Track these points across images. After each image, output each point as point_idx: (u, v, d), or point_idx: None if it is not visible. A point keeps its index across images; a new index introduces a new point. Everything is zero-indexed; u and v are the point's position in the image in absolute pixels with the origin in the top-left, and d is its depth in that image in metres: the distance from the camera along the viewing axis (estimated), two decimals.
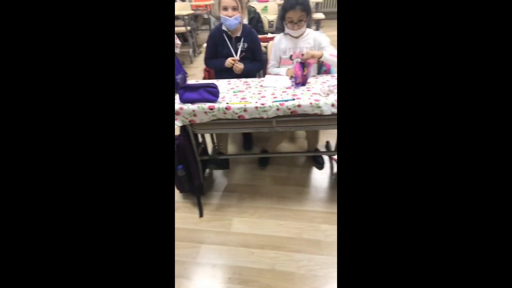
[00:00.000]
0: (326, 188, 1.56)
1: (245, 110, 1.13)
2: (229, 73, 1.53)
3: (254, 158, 1.79)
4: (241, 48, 1.52)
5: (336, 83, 1.28)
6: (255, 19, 2.50)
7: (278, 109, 1.13)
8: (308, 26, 1.43)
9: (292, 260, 1.19)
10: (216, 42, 1.55)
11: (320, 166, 1.68)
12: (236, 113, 1.14)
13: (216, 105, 1.14)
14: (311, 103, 1.11)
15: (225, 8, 1.41)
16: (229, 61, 1.50)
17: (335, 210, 1.41)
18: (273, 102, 1.13)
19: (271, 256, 1.21)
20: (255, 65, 1.58)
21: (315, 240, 1.27)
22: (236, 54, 1.53)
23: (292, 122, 1.21)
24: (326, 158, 1.76)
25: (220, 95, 1.22)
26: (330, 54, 1.33)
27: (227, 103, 1.15)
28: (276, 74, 1.46)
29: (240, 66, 1.50)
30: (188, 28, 3.63)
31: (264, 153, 1.71)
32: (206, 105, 1.14)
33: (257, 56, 1.60)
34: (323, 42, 1.42)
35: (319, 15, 2.81)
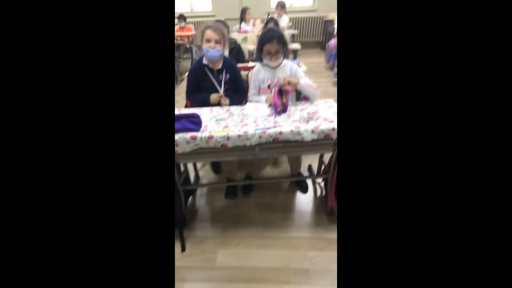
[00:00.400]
0: (310, 212, 1.56)
1: (227, 138, 1.14)
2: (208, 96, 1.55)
3: (238, 185, 1.77)
4: (224, 80, 1.56)
5: (317, 110, 1.34)
6: (235, 49, 2.62)
7: (260, 137, 1.15)
8: (285, 57, 1.52)
9: None
10: (197, 76, 1.56)
11: (304, 190, 1.69)
12: (219, 142, 1.14)
13: (198, 134, 1.14)
14: (292, 130, 1.15)
15: (208, 40, 1.45)
16: (214, 98, 1.51)
17: (321, 235, 1.39)
18: (255, 130, 1.15)
19: None
20: (239, 96, 1.62)
21: (302, 269, 1.23)
22: (220, 86, 1.56)
23: (274, 148, 1.22)
24: (309, 181, 1.78)
25: (203, 124, 1.23)
26: (306, 83, 1.40)
27: (210, 132, 1.15)
28: (257, 102, 1.50)
29: (226, 102, 1.52)
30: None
31: (248, 179, 1.70)
32: (188, 135, 1.14)
33: (239, 86, 1.65)
34: (299, 73, 1.50)
35: (296, 46, 3.01)
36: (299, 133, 1.15)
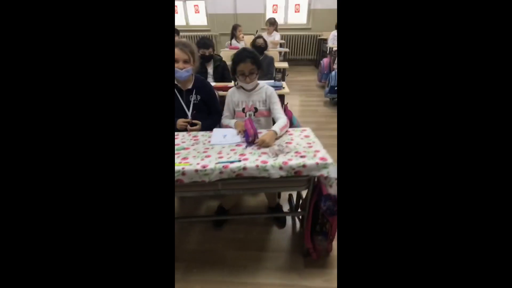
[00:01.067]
0: (286, 252, 1.39)
1: (183, 173, 1.00)
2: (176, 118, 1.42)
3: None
4: (194, 101, 1.45)
5: (290, 140, 1.20)
6: (220, 66, 2.52)
7: (221, 172, 1.01)
8: (259, 78, 1.42)
9: None
10: None
11: (281, 224, 1.53)
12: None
13: None
14: (257, 166, 1.01)
15: (176, 61, 1.36)
16: (180, 124, 1.39)
17: (294, 282, 1.22)
18: (216, 163, 1.01)
19: None
20: (213, 118, 1.50)
21: None
22: (188, 108, 1.44)
23: (239, 184, 1.08)
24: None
25: None
26: (281, 128, 1.25)
27: None
28: (226, 126, 1.37)
29: (195, 127, 1.39)
30: None
31: (220, 212, 1.54)
32: None
33: (213, 108, 1.53)
34: (273, 97, 1.40)
35: (284, 64, 2.93)
36: (265, 169, 1.01)
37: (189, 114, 1.44)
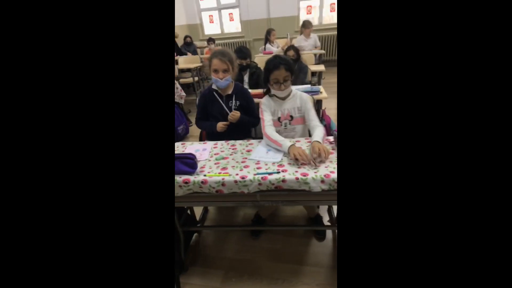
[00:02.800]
0: (326, 268, 1.31)
1: (223, 184, 1.00)
2: (220, 133, 1.46)
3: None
4: (234, 106, 1.49)
5: (332, 150, 1.14)
6: (256, 74, 2.54)
7: (260, 184, 0.99)
8: (297, 83, 1.38)
9: None
10: (206, 101, 1.52)
11: (321, 238, 1.46)
12: (214, 188, 1.01)
13: (191, 178, 1.02)
14: (297, 178, 0.97)
15: (216, 71, 1.40)
16: (220, 126, 1.45)
17: None
18: (254, 175, 1.00)
19: None
20: (251, 119, 1.52)
21: None
22: (229, 111, 1.49)
23: (278, 196, 1.05)
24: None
25: (200, 164, 1.11)
26: (321, 138, 1.16)
27: (205, 176, 1.03)
28: (270, 137, 1.24)
29: (236, 114, 1.43)
30: (196, 78, 3.80)
31: (256, 222, 1.52)
32: (181, 178, 1.03)
33: (251, 112, 1.54)
34: (308, 103, 1.36)
35: (320, 67, 2.83)
36: (305, 182, 0.96)
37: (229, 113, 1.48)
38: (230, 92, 1.49)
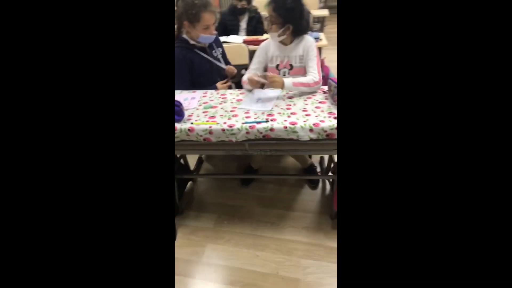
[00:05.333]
0: (314, 213, 1.39)
1: (210, 132, 0.99)
2: (211, 82, 1.37)
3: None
4: (219, 54, 1.38)
5: (324, 100, 1.09)
6: (255, 19, 2.31)
7: (248, 132, 0.97)
8: (299, 33, 1.22)
9: None
10: (190, 64, 1.28)
11: (314, 186, 1.51)
12: (201, 136, 1.00)
13: (178, 126, 1.01)
14: (285, 127, 0.94)
15: (207, 27, 1.21)
16: (222, 87, 1.34)
17: (320, 242, 1.24)
18: (242, 123, 0.98)
19: None
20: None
21: (292, 278, 1.12)
22: (219, 62, 1.38)
23: (266, 145, 1.05)
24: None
25: (188, 112, 1.09)
26: (295, 82, 1.13)
27: (192, 123, 1.01)
28: (244, 82, 1.22)
29: (235, 70, 1.36)
30: None
31: (248, 171, 1.56)
32: None
33: (227, 59, 1.47)
34: (311, 50, 1.21)
35: (323, 12, 2.55)
36: (294, 131, 0.94)
37: (223, 66, 1.38)
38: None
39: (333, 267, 1.14)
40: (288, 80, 1.13)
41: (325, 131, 0.94)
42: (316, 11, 2.58)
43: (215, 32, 1.26)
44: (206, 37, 1.23)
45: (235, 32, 2.24)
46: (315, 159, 1.66)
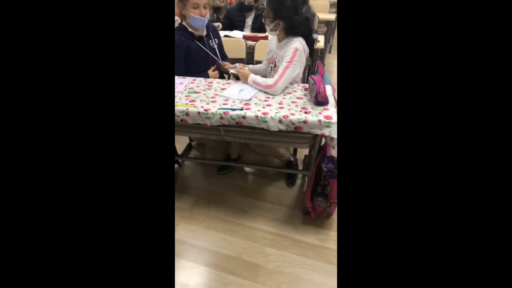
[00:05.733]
0: (287, 207, 1.42)
1: (187, 114, 1.05)
2: (203, 70, 1.43)
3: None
4: (215, 45, 1.43)
5: (302, 96, 1.13)
6: (261, 17, 2.36)
7: (221, 118, 1.03)
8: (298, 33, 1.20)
9: (221, 282, 1.10)
10: (186, 51, 1.33)
11: (290, 183, 1.54)
12: (179, 117, 1.06)
13: None
14: (256, 116, 0.99)
15: (196, 6, 1.25)
16: (213, 75, 1.40)
17: (287, 234, 1.28)
18: (218, 109, 1.03)
19: (200, 273, 1.13)
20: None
21: (254, 263, 1.16)
22: (214, 53, 1.43)
23: (240, 133, 1.10)
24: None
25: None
26: (253, 81, 1.19)
27: None
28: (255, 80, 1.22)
29: (232, 66, 1.35)
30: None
31: (226, 160, 1.61)
32: None
33: (224, 51, 1.52)
34: (288, 55, 1.16)
35: (331, 16, 2.56)
36: (264, 121, 0.99)
37: (219, 59, 1.43)
38: (205, 32, 1.38)
39: (295, 258, 1.18)
40: (251, 76, 1.20)
41: (293, 124, 0.98)
42: (323, 15, 2.60)
43: (207, 16, 1.30)
44: (196, 17, 1.25)
45: (240, 28, 2.30)
46: (300, 156, 1.69)
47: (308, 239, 1.26)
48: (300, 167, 1.62)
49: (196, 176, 1.66)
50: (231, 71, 1.30)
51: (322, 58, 2.27)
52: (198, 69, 1.40)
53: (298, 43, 1.17)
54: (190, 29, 1.34)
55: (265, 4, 1.17)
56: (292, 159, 1.56)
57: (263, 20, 1.24)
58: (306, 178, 1.56)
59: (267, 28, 1.22)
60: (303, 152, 1.70)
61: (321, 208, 1.26)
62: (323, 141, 1.10)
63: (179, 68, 1.36)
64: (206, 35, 1.40)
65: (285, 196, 1.49)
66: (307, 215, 1.35)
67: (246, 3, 2.21)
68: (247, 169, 1.70)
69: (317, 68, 1.80)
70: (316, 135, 1.05)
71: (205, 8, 1.27)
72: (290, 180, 1.56)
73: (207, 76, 1.39)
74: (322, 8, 2.77)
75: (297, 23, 1.18)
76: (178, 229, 1.32)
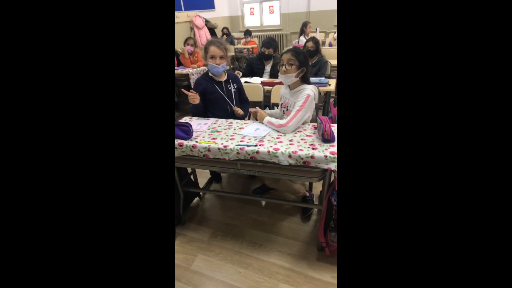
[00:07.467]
0: (302, 242, 1.43)
1: (209, 150, 1.20)
2: (223, 113, 1.65)
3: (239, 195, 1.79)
4: (233, 89, 1.66)
5: (311, 134, 1.24)
6: (278, 65, 2.66)
7: (238, 153, 1.16)
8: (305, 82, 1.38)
9: None
10: (204, 88, 1.59)
11: (305, 217, 1.57)
12: (201, 152, 1.22)
13: (185, 142, 1.24)
14: (268, 151, 1.11)
15: (213, 57, 1.53)
16: (236, 109, 1.64)
17: (301, 270, 1.27)
18: (236, 145, 1.17)
19: None
20: (246, 107, 1.70)
21: None
22: (229, 97, 1.65)
23: (254, 167, 1.21)
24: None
25: (197, 133, 1.33)
26: (268, 121, 1.37)
27: (196, 142, 1.24)
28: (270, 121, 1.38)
29: (240, 111, 1.63)
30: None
31: (261, 188, 1.72)
32: (177, 141, 1.25)
33: (245, 96, 1.75)
34: (300, 100, 1.32)
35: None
36: (275, 155, 1.10)
37: (233, 102, 1.65)
38: (225, 78, 1.64)
39: None
40: (267, 118, 1.39)
41: (302, 158, 1.07)
42: (335, 61, 2.84)
43: (223, 65, 1.56)
44: (212, 65, 1.54)
45: (259, 74, 2.58)
46: (316, 192, 1.73)
47: (323, 276, 1.24)
48: (316, 202, 1.64)
49: (215, 209, 1.75)
50: (251, 110, 1.56)
51: (334, 100, 2.42)
52: (214, 108, 1.64)
53: (310, 91, 1.34)
54: (210, 74, 1.62)
55: (286, 55, 1.37)
56: (308, 194, 1.61)
57: (278, 67, 1.44)
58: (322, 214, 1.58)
59: (290, 74, 1.36)
60: (318, 188, 1.74)
61: (335, 243, 1.26)
62: (334, 175, 1.17)
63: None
64: (225, 80, 1.64)
65: (300, 231, 1.51)
66: (322, 252, 1.34)
67: (266, 53, 2.52)
68: (263, 203, 1.76)
69: (330, 108, 1.94)
70: (326, 170, 1.13)
71: (221, 58, 1.54)
72: (305, 215, 1.58)
73: (224, 114, 1.62)
74: (334, 55, 3.04)
75: (308, 74, 1.40)
76: (195, 260, 1.37)
